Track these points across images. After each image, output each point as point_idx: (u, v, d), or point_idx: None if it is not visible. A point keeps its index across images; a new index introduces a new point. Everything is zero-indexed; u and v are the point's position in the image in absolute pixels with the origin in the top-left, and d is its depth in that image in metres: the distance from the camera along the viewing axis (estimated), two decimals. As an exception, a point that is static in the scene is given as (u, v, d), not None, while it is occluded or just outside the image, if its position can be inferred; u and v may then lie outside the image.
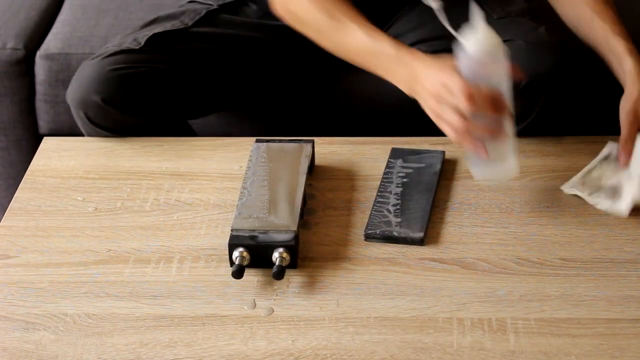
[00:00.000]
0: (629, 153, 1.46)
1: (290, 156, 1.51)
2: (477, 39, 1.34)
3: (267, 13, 1.77)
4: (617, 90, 1.92)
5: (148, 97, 1.63)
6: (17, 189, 1.54)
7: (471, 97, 1.33)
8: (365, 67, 1.53)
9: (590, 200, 1.45)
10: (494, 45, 1.34)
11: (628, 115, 1.46)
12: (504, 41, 1.59)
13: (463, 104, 1.34)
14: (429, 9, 1.67)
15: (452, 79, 1.35)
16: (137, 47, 1.64)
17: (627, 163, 1.46)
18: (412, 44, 1.71)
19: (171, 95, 1.66)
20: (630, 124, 1.46)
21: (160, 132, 1.66)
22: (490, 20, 1.65)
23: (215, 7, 1.73)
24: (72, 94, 1.63)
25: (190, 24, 1.70)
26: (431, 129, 1.83)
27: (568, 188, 1.48)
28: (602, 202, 1.45)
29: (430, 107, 1.40)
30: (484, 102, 1.33)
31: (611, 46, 1.52)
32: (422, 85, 1.40)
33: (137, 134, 1.64)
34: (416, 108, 1.89)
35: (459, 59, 1.36)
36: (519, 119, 1.60)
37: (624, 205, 1.43)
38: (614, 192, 1.46)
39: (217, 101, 1.77)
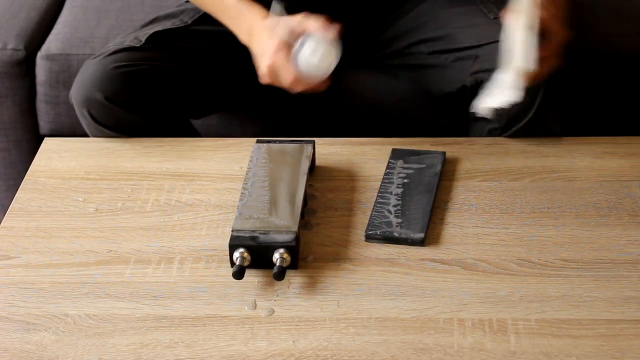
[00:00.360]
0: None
1: (290, 157, 1.51)
2: (310, 57, 1.47)
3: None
4: (618, 90, 1.93)
5: (150, 94, 1.63)
6: (17, 189, 1.54)
7: (296, 83, 1.49)
8: (219, 18, 1.62)
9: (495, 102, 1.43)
10: (324, 66, 1.48)
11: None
12: (502, 41, 1.60)
13: (290, 85, 1.50)
14: (429, 9, 1.67)
15: (283, 67, 1.48)
16: (138, 45, 1.65)
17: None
18: (412, 44, 1.72)
19: (173, 92, 1.66)
20: None
21: (164, 132, 1.66)
22: (487, 20, 1.66)
23: None
24: (76, 92, 1.63)
25: (189, 22, 1.71)
26: (432, 130, 1.83)
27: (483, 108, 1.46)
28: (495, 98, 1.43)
29: (262, 72, 1.52)
30: (305, 86, 1.51)
31: None
32: (257, 51, 1.53)
33: (141, 133, 1.64)
34: (417, 109, 1.90)
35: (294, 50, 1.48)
36: (517, 118, 1.60)
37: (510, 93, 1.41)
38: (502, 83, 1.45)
39: (218, 99, 1.77)
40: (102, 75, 1.61)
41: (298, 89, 1.51)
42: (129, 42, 1.66)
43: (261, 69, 1.52)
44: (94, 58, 1.65)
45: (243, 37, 1.58)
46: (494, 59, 1.60)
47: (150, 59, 1.65)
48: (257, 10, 1.56)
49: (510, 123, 1.61)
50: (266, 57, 1.50)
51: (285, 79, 1.50)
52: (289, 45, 1.49)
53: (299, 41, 1.48)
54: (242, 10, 1.58)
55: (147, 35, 1.67)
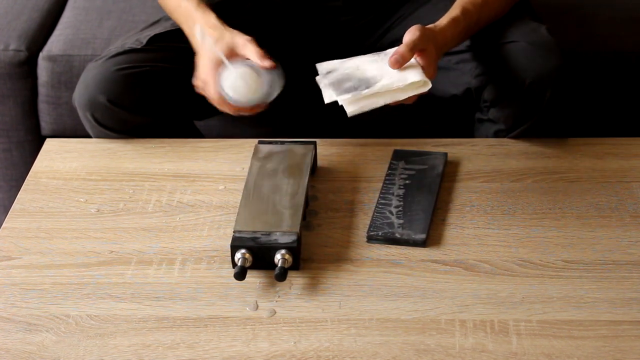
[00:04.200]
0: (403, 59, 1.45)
1: (292, 158, 1.51)
2: (235, 84, 1.49)
3: (260, 11, 1.78)
4: (619, 91, 1.93)
5: (153, 95, 1.63)
6: (19, 190, 1.54)
7: (221, 104, 1.53)
8: (175, 18, 1.66)
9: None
10: (248, 95, 1.49)
11: (417, 33, 1.47)
12: (507, 43, 1.60)
13: (216, 105, 1.55)
14: (429, 12, 1.67)
15: (208, 85, 1.52)
16: (139, 47, 1.65)
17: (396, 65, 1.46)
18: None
19: (175, 93, 1.67)
20: (416, 41, 1.46)
21: (167, 133, 1.66)
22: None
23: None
24: (79, 96, 1.63)
25: None
26: (434, 130, 1.83)
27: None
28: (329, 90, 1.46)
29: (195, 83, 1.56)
30: (232, 109, 1.54)
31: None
32: (199, 61, 1.55)
33: (144, 134, 1.64)
34: (419, 110, 1.90)
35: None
36: (524, 120, 1.60)
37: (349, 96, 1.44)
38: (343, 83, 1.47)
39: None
40: (104, 77, 1.61)
41: (224, 109, 1.54)
42: (130, 44, 1.66)
43: (195, 80, 1.55)
44: (96, 61, 1.65)
45: (193, 39, 1.59)
46: (498, 62, 1.60)
47: (152, 60, 1.65)
48: (207, 16, 1.57)
49: (517, 125, 1.61)
50: (199, 71, 1.53)
51: (211, 97, 1.53)
52: (219, 64, 1.50)
53: (232, 64, 1.49)
54: (191, 12, 1.59)
55: (149, 37, 1.67)
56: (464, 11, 1.56)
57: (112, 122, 1.63)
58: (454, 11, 1.56)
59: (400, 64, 1.44)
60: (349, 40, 1.80)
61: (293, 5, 1.77)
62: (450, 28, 1.53)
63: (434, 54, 1.47)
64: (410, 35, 1.46)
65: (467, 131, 1.76)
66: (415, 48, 1.45)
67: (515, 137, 1.62)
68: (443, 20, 1.54)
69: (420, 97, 1.82)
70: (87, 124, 1.65)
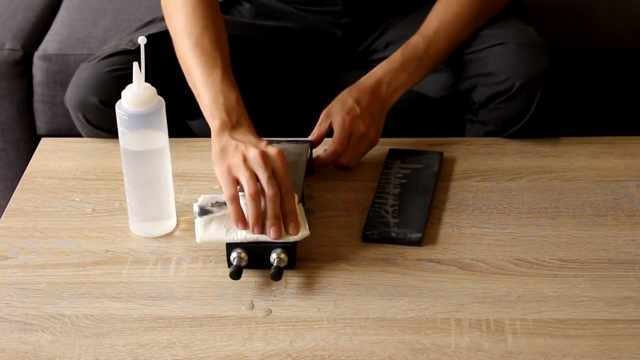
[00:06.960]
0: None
1: (288, 157, 1.50)
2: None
3: (262, 12, 1.78)
4: (615, 90, 1.93)
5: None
6: (14, 189, 1.54)
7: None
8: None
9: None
10: None
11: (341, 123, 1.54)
12: (496, 45, 1.60)
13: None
14: (423, 15, 1.67)
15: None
16: (132, 48, 1.65)
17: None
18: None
19: (168, 94, 1.66)
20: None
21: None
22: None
23: None
24: (70, 96, 1.63)
25: None
26: (429, 130, 1.83)
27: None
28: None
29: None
30: None
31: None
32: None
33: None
34: (413, 110, 1.90)
35: None
36: (515, 120, 1.60)
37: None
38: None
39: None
40: (96, 79, 1.61)
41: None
42: (123, 45, 1.66)
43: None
44: (89, 62, 1.65)
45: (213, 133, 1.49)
46: (487, 64, 1.60)
47: (145, 61, 1.64)
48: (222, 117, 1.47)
49: (508, 125, 1.61)
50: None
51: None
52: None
53: None
54: (213, 112, 1.49)
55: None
56: (408, 47, 1.59)
57: (104, 123, 1.62)
58: (394, 55, 1.59)
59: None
60: (347, 42, 1.80)
61: (295, 8, 1.77)
62: (388, 74, 1.57)
63: (341, 122, 1.52)
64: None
65: (461, 131, 1.76)
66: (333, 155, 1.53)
67: (508, 137, 1.62)
68: (371, 74, 1.58)
69: (412, 97, 1.82)
70: (79, 124, 1.65)
